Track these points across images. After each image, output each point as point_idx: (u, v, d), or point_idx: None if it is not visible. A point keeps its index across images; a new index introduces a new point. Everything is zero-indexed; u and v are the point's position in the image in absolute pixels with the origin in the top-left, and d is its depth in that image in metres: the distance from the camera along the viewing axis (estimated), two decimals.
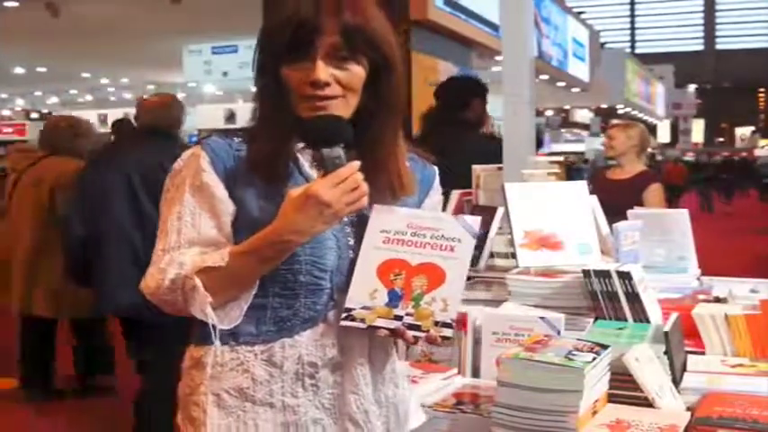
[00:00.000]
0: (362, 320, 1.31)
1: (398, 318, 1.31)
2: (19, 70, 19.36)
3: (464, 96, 3.77)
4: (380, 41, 1.34)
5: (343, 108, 1.33)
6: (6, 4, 11.06)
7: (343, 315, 1.32)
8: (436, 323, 1.30)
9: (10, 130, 19.75)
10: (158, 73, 19.97)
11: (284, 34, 1.30)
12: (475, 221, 1.35)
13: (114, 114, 17.22)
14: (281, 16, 1.32)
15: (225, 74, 14.62)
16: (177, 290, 1.29)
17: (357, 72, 1.33)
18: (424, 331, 1.31)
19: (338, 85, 1.31)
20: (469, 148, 3.14)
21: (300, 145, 1.35)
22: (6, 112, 29.52)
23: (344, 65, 1.31)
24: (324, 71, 1.29)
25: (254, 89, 1.39)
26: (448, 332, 1.31)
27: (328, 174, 1.26)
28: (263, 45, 1.35)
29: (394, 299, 1.32)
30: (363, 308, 1.32)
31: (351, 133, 1.30)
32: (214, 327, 1.30)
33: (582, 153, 27.51)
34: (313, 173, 1.35)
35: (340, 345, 1.36)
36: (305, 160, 1.37)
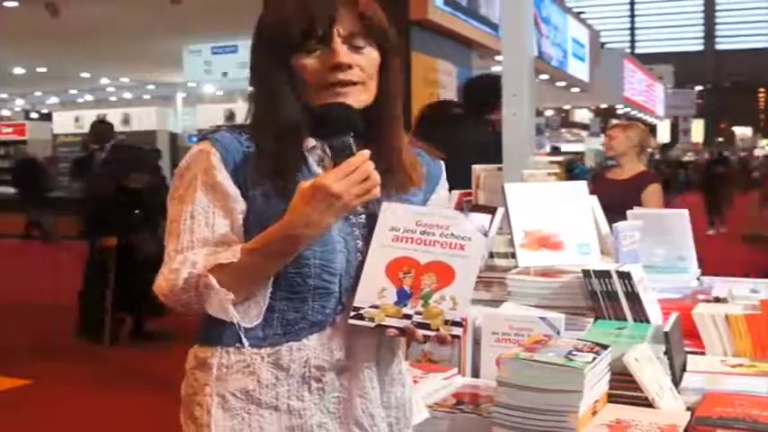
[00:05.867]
0: (371, 319, 1.29)
1: (407, 317, 1.29)
2: (19, 70, 19.32)
3: (486, 96, 3.87)
4: (387, 29, 1.37)
5: (366, 94, 1.34)
6: (6, 4, 11.04)
7: (352, 314, 1.30)
8: (446, 322, 1.28)
9: (10, 129, 19.72)
10: (158, 73, 19.94)
11: (298, 24, 1.30)
12: (485, 219, 1.32)
13: (114, 114, 17.23)
14: (290, 8, 1.31)
15: (225, 74, 14.57)
16: (191, 290, 1.27)
17: (374, 57, 1.35)
18: (433, 330, 1.29)
19: (359, 69, 1.32)
20: (468, 141, 3.28)
21: (310, 144, 1.34)
22: (6, 112, 29.47)
23: (361, 50, 1.33)
24: (346, 54, 1.30)
25: (251, 87, 1.37)
26: (457, 331, 1.29)
27: (337, 164, 1.23)
28: (270, 39, 1.34)
29: (403, 297, 1.30)
30: (372, 307, 1.30)
31: (361, 122, 1.29)
32: (239, 324, 1.29)
33: (581, 153, 27.43)
34: (321, 171, 1.33)
35: (347, 348, 1.34)
36: (314, 159, 1.35)
